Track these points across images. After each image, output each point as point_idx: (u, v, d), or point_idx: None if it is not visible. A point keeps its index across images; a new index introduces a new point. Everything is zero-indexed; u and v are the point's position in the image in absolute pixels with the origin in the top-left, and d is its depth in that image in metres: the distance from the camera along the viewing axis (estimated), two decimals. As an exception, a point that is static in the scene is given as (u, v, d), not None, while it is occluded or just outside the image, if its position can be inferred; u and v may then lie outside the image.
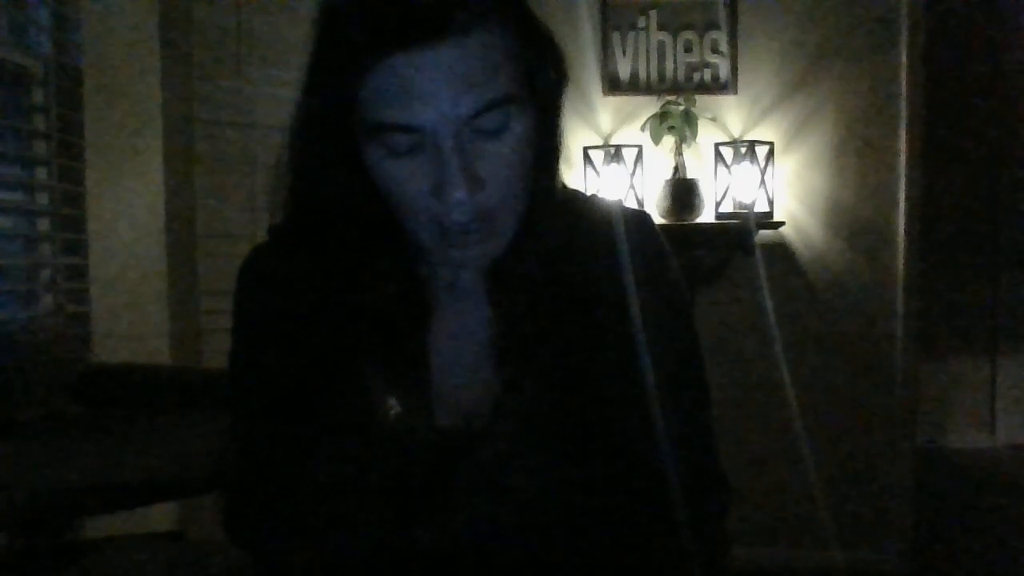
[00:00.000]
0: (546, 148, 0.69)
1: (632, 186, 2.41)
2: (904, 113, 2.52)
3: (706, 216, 2.47)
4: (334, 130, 0.64)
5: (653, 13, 2.54)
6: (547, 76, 0.67)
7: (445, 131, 0.60)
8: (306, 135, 0.67)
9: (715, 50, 2.54)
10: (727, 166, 2.44)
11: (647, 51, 2.55)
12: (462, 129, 0.61)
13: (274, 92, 2.32)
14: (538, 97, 0.66)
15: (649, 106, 2.48)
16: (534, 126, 0.66)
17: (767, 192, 2.42)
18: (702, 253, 2.45)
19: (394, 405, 0.68)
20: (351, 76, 0.60)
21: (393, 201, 0.65)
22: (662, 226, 2.49)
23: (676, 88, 2.52)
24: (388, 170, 0.63)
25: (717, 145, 2.46)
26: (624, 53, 2.55)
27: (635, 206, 2.35)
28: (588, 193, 0.81)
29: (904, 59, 2.51)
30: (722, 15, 2.52)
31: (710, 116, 2.48)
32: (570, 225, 0.74)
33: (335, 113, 0.63)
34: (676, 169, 2.46)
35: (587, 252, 0.73)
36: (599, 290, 0.72)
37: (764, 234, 2.51)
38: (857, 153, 2.54)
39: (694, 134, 2.42)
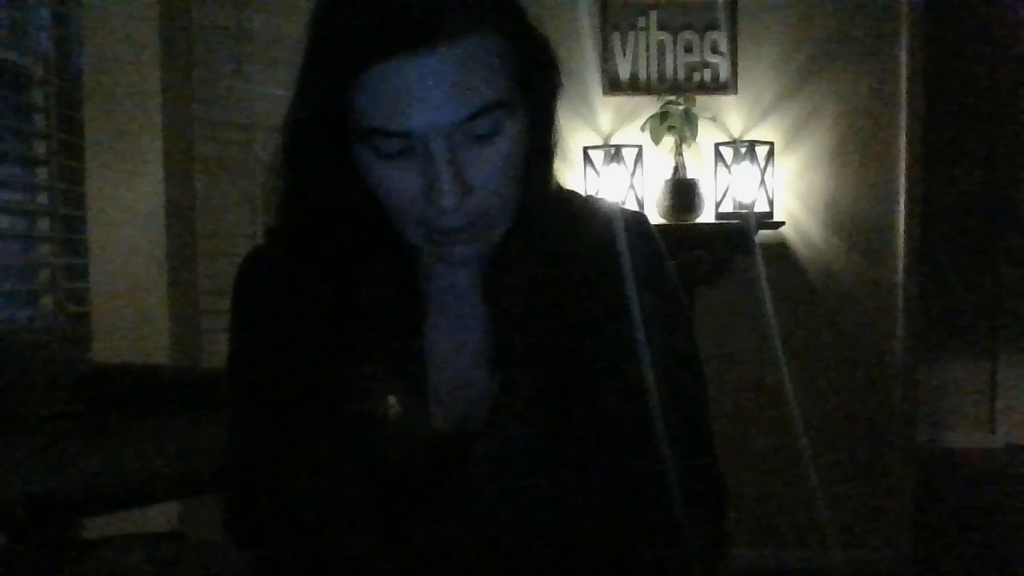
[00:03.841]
0: (540, 151, 0.69)
1: (632, 186, 2.41)
2: (904, 113, 2.52)
3: (706, 216, 2.47)
4: (327, 133, 0.64)
5: (653, 13, 2.54)
6: (541, 80, 0.67)
7: (436, 136, 0.61)
8: (299, 138, 0.67)
9: (715, 50, 2.54)
10: (727, 166, 2.44)
11: (647, 51, 2.55)
12: (453, 134, 0.61)
13: (274, 92, 2.32)
14: (532, 101, 0.66)
15: (649, 106, 2.48)
16: (528, 130, 0.66)
17: (767, 192, 2.42)
18: (702, 253, 2.45)
19: (392, 406, 0.68)
20: (342, 81, 0.61)
21: (385, 204, 0.66)
22: (662, 226, 2.50)
23: (676, 88, 2.52)
24: (380, 173, 0.64)
25: (717, 145, 2.46)
26: (624, 53, 2.55)
27: (635, 206, 2.36)
28: (586, 194, 0.81)
29: (904, 59, 2.51)
30: (722, 15, 2.52)
31: (710, 116, 2.48)
32: (567, 226, 0.74)
33: (327, 117, 0.63)
34: (676, 169, 2.46)
35: (584, 253, 0.73)
36: (596, 291, 0.72)
37: (764, 234, 2.51)
38: (857, 153, 2.54)
39: (694, 134, 2.42)
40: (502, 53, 0.62)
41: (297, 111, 0.66)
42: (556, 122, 0.71)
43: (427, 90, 0.59)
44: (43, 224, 1.92)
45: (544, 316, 0.70)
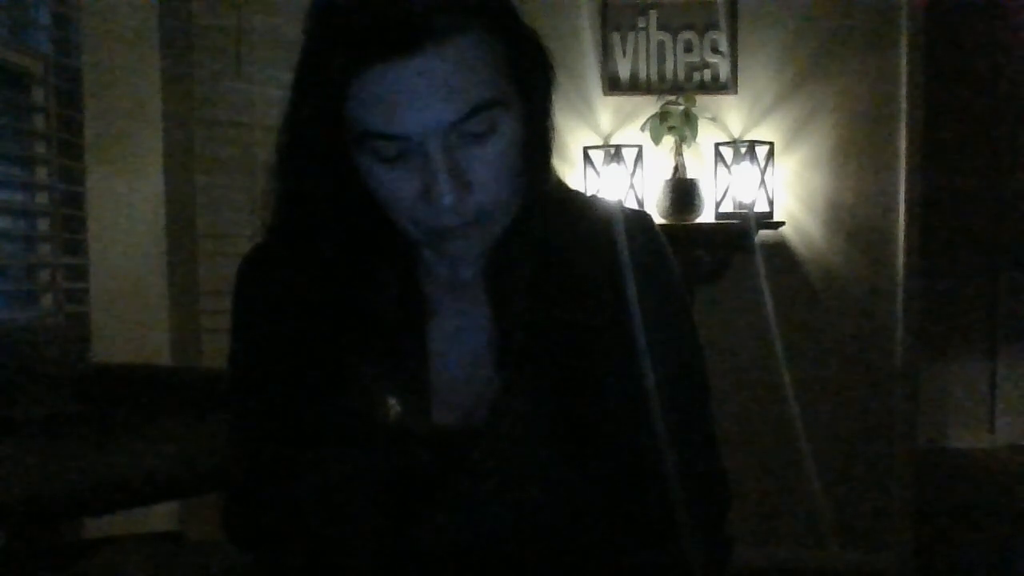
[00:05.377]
0: (537, 147, 0.69)
1: (632, 186, 2.41)
2: (904, 113, 2.52)
3: (706, 216, 2.47)
4: (323, 137, 0.65)
5: (653, 13, 2.54)
6: (534, 75, 0.68)
7: (431, 138, 0.61)
8: (296, 142, 0.67)
9: (715, 50, 2.54)
10: (727, 166, 2.44)
11: (647, 51, 2.55)
12: (449, 135, 0.61)
13: (274, 92, 2.32)
14: (526, 96, 0.67)
15: (649, 106, 2.48)
16: (524, 125, 0.66)
17: (767, 192, 2.42)
18: (702, 253, 2.45)
19: (393, 404, 0.68)
20: (335, 86, 0.61)
21: (385, 204, 0.66)
22: (662, 226, 2.49)
23: (676, 88, 2.52)
24: (378, 175, 0.64)
25: (717, 145, 2.46)
26: (624, 53, 2.55)
27: (635, 206, 2.36)
28: (588, 194, 0.81)
29: (904, 59, 2.51)
30: (722, 15, 2.52)
31: (710, 116, 2.48)
32: (570, 224, 0.74)
33: (322, 120, 0.64)
34: (676, 169, 2.46)
35: (587, 251, 0.73)
36: (599, 289, 0.72)
37: (764, 234, 2.50)
38: (857, 153, 2.54)
39: (694, 134, 2.42)
40: (493, 51, 0.62)
41: (292, 116, 0.66)
42: (552, 116, 0.71)
43: (419, 93, 0.59)
44: (43, 224, 1.92)
45: (547, 313, 0.70)
